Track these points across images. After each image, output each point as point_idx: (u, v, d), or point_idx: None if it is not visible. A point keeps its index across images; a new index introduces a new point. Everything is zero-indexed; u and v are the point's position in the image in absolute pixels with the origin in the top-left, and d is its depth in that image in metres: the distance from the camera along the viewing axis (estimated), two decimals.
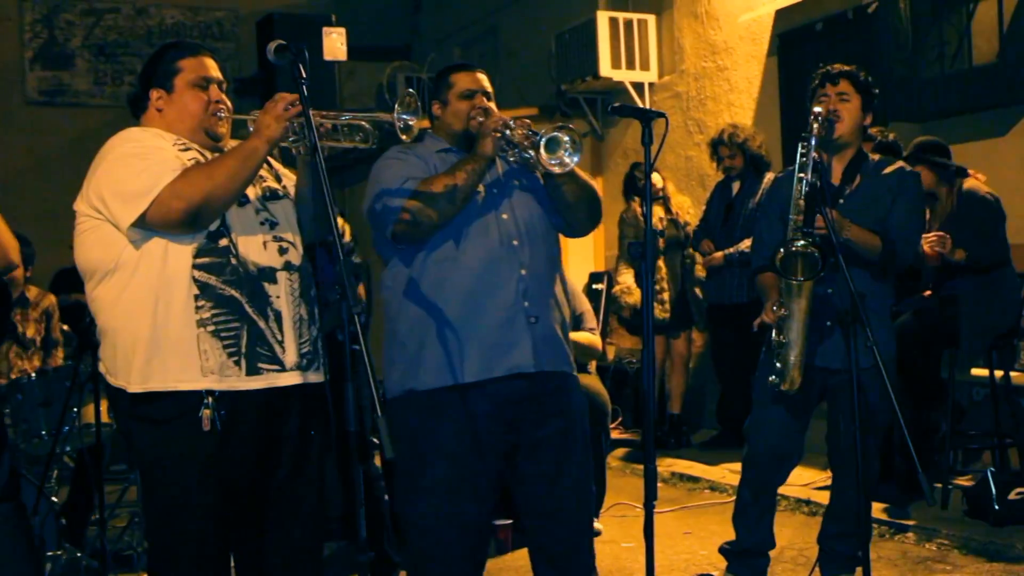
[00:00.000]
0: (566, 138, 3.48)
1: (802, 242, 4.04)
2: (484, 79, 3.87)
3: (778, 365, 4.21)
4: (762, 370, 4.42)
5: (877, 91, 4.48)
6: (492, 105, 3.79)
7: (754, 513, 4.57)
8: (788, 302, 4.16)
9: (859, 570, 4.01)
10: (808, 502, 6.11)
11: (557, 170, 3.51)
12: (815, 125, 4.13)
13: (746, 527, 4.59)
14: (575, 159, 3.50)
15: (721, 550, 4.75)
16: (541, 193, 3.81)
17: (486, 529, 3.88)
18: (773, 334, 4.24)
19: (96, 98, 14.53)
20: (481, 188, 3.69)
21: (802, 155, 4.12)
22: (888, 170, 4.38)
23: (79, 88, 14.73)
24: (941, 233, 5.80)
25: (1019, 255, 6.09)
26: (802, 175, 4.09)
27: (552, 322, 3.73)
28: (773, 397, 4.32)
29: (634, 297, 8.10)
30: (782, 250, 4.08)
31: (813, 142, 4.10)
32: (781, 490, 6.35)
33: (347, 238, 5.33)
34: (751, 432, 4.58)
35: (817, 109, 4.20)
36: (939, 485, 5.74)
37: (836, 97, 4.34)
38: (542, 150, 3.46)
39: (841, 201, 4.29)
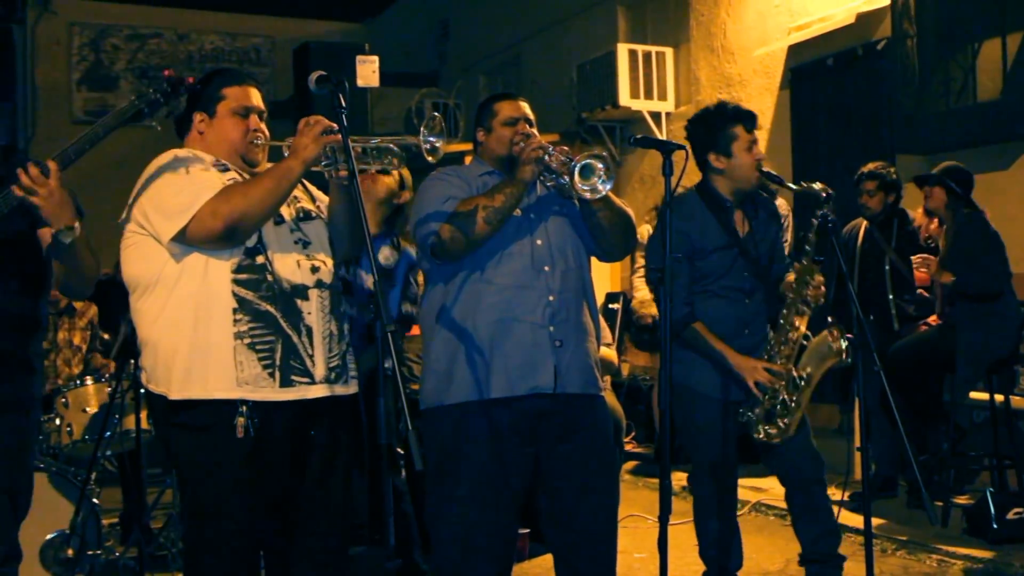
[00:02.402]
0: (600, 165, 3.45)
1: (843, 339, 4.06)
2: (526, 107, 3.88)
3: (784, 422, 4.13)
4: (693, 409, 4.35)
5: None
6: (534, 131, 3.81)
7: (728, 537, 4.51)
8: (815, 365, 4.11)
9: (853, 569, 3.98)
10: None
11: (589, 196, 3.50)
12: (786, 217, 4.14)
13: (725, 552, 4.47)
14: (608, 186, 3.48)
15: None
16: (576, 219, 3.80)
17: (512, 537, 3.87)
18: (775, 389, 4.13)
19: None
20: (518, 213, 3.69)
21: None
22: (774, 207, 4.34)
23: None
24: (925, 255, 5.82)
25: (1021, 284, 6.07)
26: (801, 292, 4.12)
27: (578, 346, 3.73)
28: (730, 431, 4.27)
29: (648, 309, 8.14)
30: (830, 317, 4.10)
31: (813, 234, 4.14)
32: (786, 506, 6.38)
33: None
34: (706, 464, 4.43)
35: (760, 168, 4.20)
36: (939, 504, 5.73)
37: (755, 146, 4.30)
38: (576, 176, 3.45)
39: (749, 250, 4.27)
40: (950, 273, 5.78)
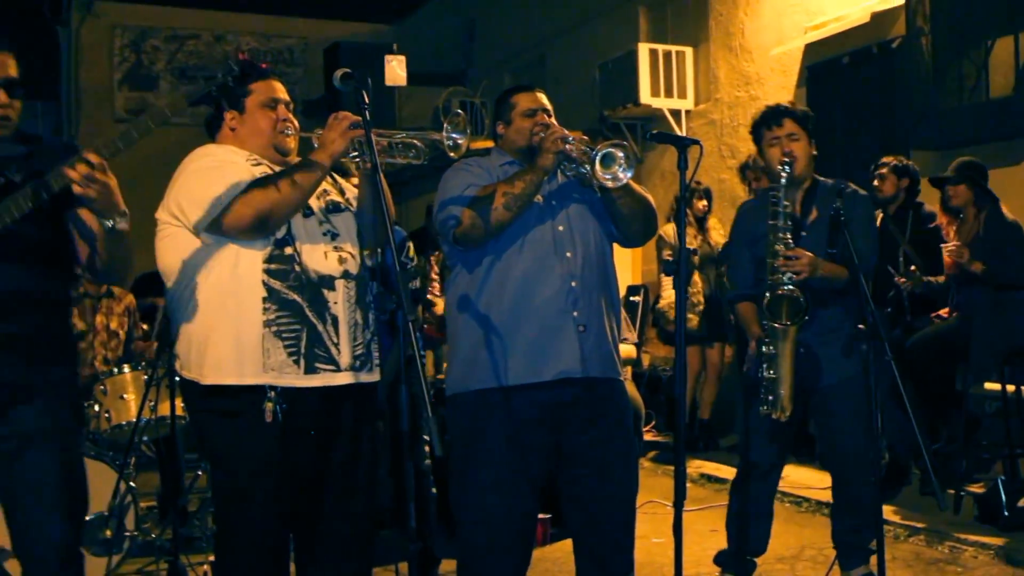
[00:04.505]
0: (621, 154, 3.42)
1: (789, 286, 4.04)
2: (543, 97, 3.84)
3: (770, 398, 4.14)
4: (748, 397, 4.38)
5: (812, 115, 4.44)
6: (553, 121, 3.77)
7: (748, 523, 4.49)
8: (775, 342, 4.11)
9: (874, 560, 3.95)
10: (828, 504, 6.02)
11: (611, 184, 3.46)
12: (783, 174, 4.13)
13: (743, 536, 4.48)
14: (628, 174, 3.45)
15: (718, 560, 4.63)
16: (598, 206, 3.75)
17: (532, 522, 3.85)
18: (764, 369, 4.16)
19: (177, 117, 14.67)
20: (539, 200, 3.65)
21: (773, 202, 4.14)
22: (844, 192, 4.30)
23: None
24: (959, 243, 5.77)
25: None
26: (774, 221, 4.12)
27: (601, 330, 3.68)
28: (766, 425, 4.26)
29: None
30: (768, 293, 4.09)
31: (783, 190, 4.13)
32: (802, 493, 6.35)
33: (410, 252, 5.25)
34: (748, 455, 4.46)
35: (787, 162, 4.17)
36: (952, 491, 5.67)
37: (787, 139, 4.30)
38: (597, 165, 3.42)
39: (804, 233, 4.26)
40: (980, 263, 5.74)
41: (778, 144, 4.29)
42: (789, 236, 4.12)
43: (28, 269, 3.02)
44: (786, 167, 4.15)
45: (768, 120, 4.36)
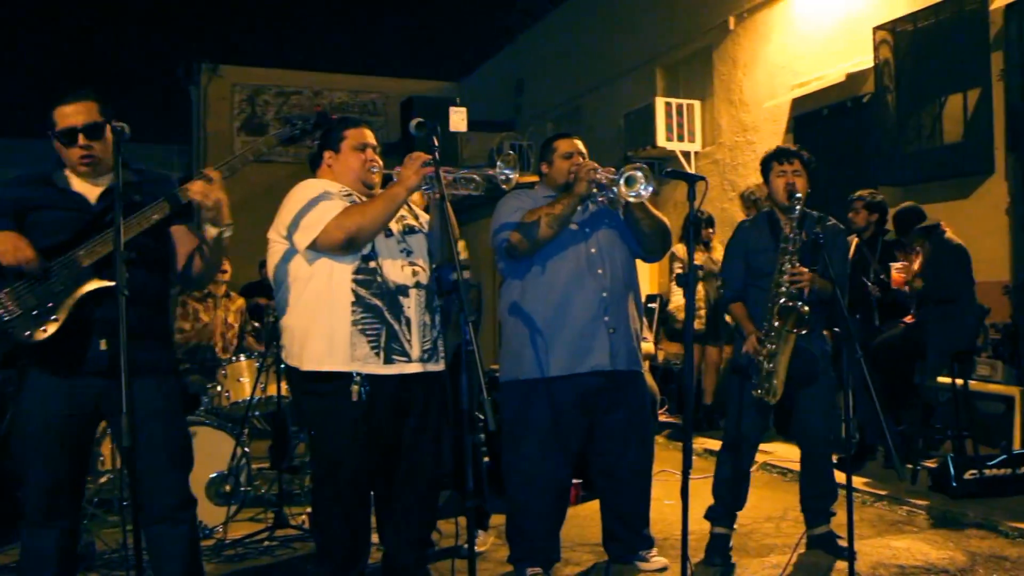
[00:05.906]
0: (640, 175, 3.47)
1: (800, 302, 3.96)
2: (579, 143, 3.89)
3: (766, 385, 4.04)
4: (741, 381, 4.27)
5: (815, 161, 4.35)
6: (586, 159, 3.81)
7: (738, 485, 4.42)
8: (778, 340, 4.03)
9: (843, 519, 3.89)
10: None
11: (634, 200, 3.49)
12: (797, 207, 4.02)
13: (733, 495, 4.41)
14: (649, 189, 3.48)
15: (709, 516, 4.54)
16: (622, 231, 3.80)
17: (567, 486, 3.88)
18: (761, 360, 4.04)
19: (283, 157, 14.87)
20: (575, 226, 3.70)
21: (786, 227, 4.04)
22: (825, 224, 4.22)
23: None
24: (905, 263, 5.75)
25: (981, 290, 5.94)
26: (785, 244, 4.02)
27: (627, 332, 3.73)
28: (755, 404, 4.16)
29: (683, 314, 8.09)
30: (782, 302, 3.98)
31: (796, 219, 4.03)
32: (787, 465, 6.30)
33: (464, 255, 5.24)
34: (732, 430, 4.31)
35: (799, 196, 4.06)
36: (910, 466, 5.61)
37: (792, 173, 4.22)
38: (623, 185, 3.46)
39: (791, 248, 4.11)
40: (921, 280, 5.69)
41: (784, 176, 4.22)
42: (797, 257, 4.04)
43: (143, 271, 2.90)
44: (797, 199, 4.05)
45: (780, 156, 4.30)
